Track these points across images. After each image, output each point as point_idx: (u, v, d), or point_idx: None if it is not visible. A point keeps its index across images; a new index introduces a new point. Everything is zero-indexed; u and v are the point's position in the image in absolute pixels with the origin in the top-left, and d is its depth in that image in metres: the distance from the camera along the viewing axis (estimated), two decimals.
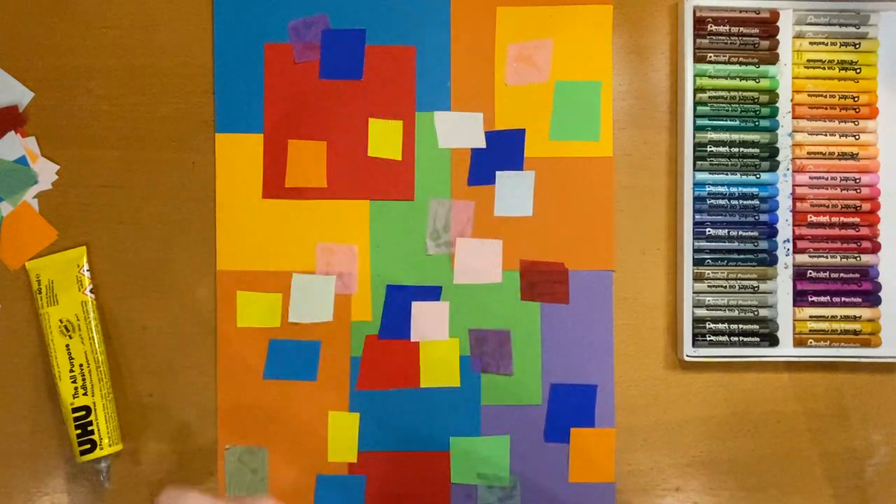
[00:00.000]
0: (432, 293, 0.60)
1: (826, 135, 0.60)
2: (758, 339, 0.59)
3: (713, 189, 0.59)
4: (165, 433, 0.60)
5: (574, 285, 0.60)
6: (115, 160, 0.60)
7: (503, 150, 0.60)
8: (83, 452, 0.57)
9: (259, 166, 0.60)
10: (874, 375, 0.61)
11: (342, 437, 0.59)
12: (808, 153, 0.60)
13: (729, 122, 0.59)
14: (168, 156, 0.60)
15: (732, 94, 0.59)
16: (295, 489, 0.59)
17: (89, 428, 0.57)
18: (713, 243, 0.59)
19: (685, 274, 0.59)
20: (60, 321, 0.58)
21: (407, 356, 0.60)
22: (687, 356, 0.59)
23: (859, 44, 0.60)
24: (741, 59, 0.60)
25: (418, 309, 0.60)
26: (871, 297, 0.60)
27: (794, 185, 0.60)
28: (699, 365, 0.60)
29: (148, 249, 0.60)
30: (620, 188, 0.61)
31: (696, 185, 0.59)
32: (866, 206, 0.60)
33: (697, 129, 0.60)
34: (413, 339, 0.60)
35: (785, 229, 0.60)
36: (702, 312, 0.59)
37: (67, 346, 0.58)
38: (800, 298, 0.60)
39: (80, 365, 0.57)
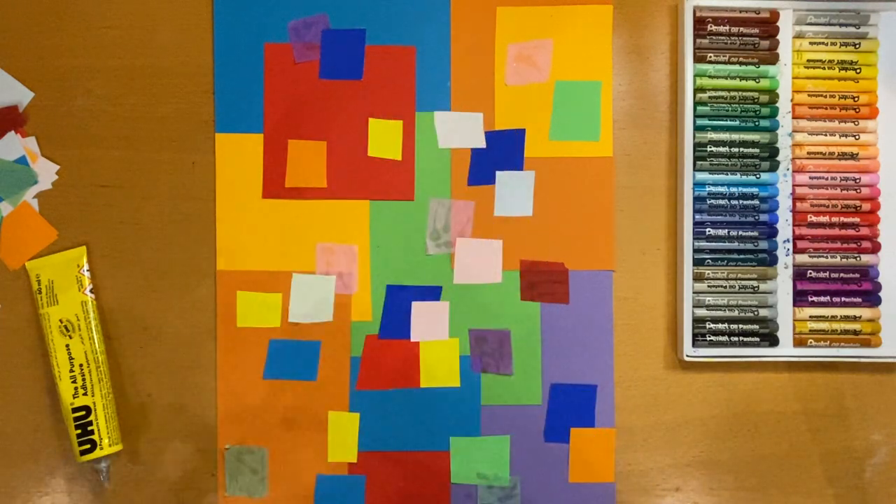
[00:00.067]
0: (432, 293, 0.60)
1: (826, 135, 0.60)
2: (758, 339, 0.59)
3: (713, 189, 0.59)
4: (165, 433, 0.60)
5: (574, 285, 0.60)
6: (115, 160, 0.60)
7: (503, 150, 0.60)
8: (83, 452, 0.57)
9: (259, 166, 0.60)
10: (874, 375, 0.61)
11: (342, 437, 0.59)
12: (808, 153, 0.60)
13: (729, 122, 0.59)
14: (168, 156, 0.60)
15: (732, 94, 0.59)
16: (295, 489, 0.59)
17: (89, 428, 0.57)
18: (713, 243, 0.59)
19: (685, 274, 0.59)
20: (60, 321, 0.58)
21: (407, 356, 0.60)
22: (687, 356, 0.59)
23: (859, 44, 0.60)
24: (741, 59, 0.60)
25: (418, 309, 0.60)
26: (871, 297, 0.60)
27: (794, 185, 0.60)
28: (699, 365, 0.60)
29: (148, 249, 0.60)
30: (620, 188, 0.61)
31: (696, 185, 0.59)
32: (866, 206, 0.60)
33: (697, 129, 0.60)
34: (413, 339, 0.60)
35: (785, 229, 0.60)
36: (702, 312, 0.59)
37: (67, 346, 0.58)
38: (800, 298, 0.60)
39: (80, 365, 0.57)
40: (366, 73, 0.60)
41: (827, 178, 0.60)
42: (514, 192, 0.60)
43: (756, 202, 0.59)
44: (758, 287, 0.60)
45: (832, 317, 0.59)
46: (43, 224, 0.60)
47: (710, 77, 0.60)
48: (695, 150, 0.59)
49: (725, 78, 0.60)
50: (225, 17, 0.60)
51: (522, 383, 0.60)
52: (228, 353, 0.60)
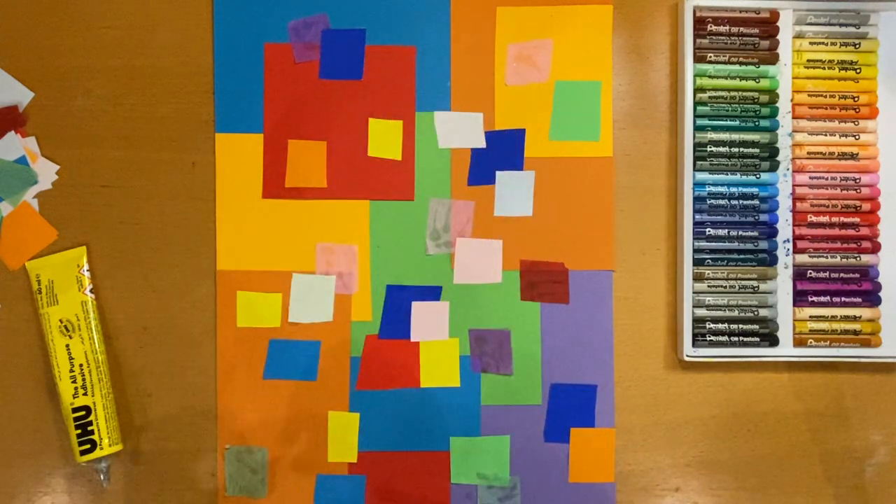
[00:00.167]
0: (432, 293, 0.60)
1: (826, 135, 0.60)
2: (758, 339, 0.59)
3: (713, 189, 0.59)
4: (165, 433, 0.60)
5: (574, 285, 0.60)
6: (115, 160, 0.60)
7: (503, 150, 0.60)
8: (83, 452, 0.57)
9: (259, 166, 0.60)
10: (874, 375, 0.61)
11: (342, 437, 0.59)
12: (808, 153, 0.60)
13: (729, 122, 0.59)
14: (168, 156, 0.60)
15: (732, 94, 0.59)
16: (295, 489, 0.59)
17: (89, 428, 0.57)
18: (713, 243, 0.59)
19: (685, 274, 0.59)
20: (60, 321, 0.58)
21: (407, 356, 0.60)
22: (687, 356, 0.59)
23: (859, 44, 0.60)
24: (741, 59, 0.60)
25: (418, 309, 0.60)
26: (871, 297, 0.60)
27: (794, 185, 0.60)
28: (699, 365, 0.60)
29: (148, 249, 0.60)
30: (620, 188, 0.61)
31: (696, 185, 0.59)
32: (866, 206, 0.60)
33: (697, 129, 0.60)
34: (413, 338, 0.60)
35: (785, 229, 0.60)
36: (702, 312, 0.59)
37: (67, 346, 0.58)
38: (800, 298, 0.60)
39: (80, 365, 0.57)
40: (366, 73, 0.60)
41: (827, 178, 0.60)
42: (514, 192, 0.60)
43: (756, 202, 0.59)
44: (758, 287, 0.60)
45: (832, 317, 0.59)
46: (43, 224, 0.60)
47: (710, 77, 0.60)
48: (695, 150, 0.59)
49: (725, 78, 0.60)
50: (225, 17, 0.60)
51: (522, 383, 0.60)
52: (228, 353, 0.60)
